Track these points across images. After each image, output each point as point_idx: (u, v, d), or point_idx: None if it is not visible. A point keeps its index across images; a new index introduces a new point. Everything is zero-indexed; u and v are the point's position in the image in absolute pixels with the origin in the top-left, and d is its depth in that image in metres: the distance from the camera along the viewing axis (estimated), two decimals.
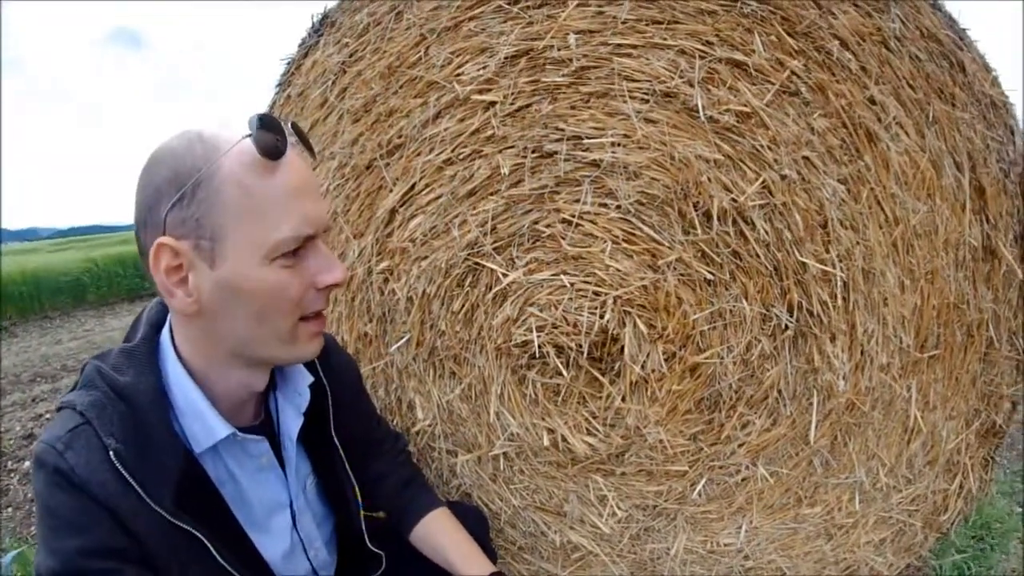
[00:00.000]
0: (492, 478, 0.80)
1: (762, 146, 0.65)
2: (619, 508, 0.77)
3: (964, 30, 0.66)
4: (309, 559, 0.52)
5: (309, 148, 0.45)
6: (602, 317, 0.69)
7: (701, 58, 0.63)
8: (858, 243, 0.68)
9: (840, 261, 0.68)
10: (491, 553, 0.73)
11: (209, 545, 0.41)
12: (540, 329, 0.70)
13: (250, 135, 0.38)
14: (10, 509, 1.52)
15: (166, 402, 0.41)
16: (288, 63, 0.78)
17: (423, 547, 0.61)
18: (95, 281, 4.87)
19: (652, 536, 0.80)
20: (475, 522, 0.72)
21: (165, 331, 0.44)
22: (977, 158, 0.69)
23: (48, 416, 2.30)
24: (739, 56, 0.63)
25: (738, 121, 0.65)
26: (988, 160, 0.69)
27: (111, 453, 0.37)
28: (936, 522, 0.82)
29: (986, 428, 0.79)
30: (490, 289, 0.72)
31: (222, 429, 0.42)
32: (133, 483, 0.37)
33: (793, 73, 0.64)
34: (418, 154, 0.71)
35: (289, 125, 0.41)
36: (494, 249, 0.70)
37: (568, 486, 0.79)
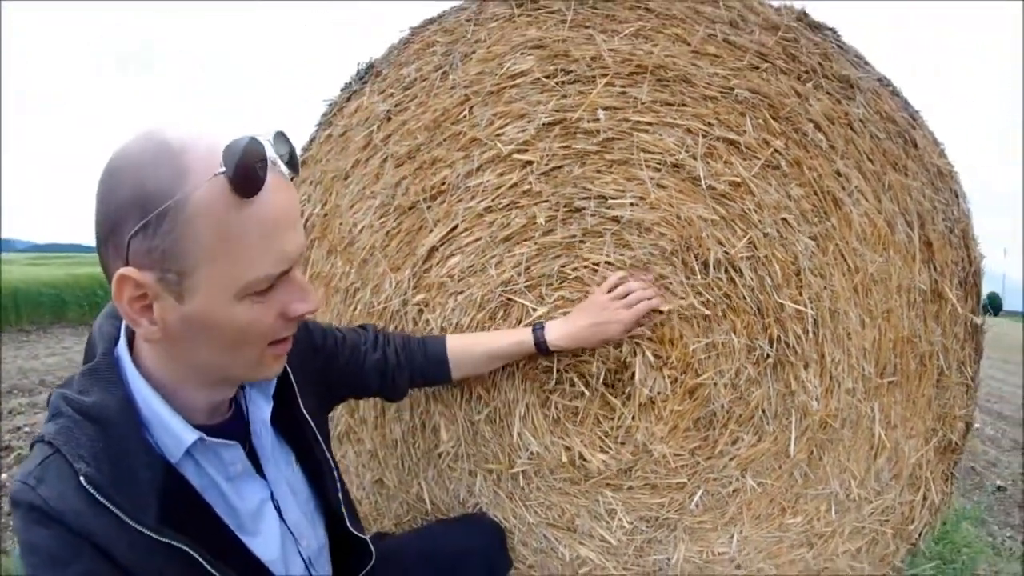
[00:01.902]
0: (509, 496, 0.88)
1: (749, 209, 0.79)
2: (626, 520, 0.85)
3: (916, 111, 0.80)
4: (300, 551, 0.49)
5: (294, 167, 0.41)
6: (618, 348, 0.80)
7: (703, 136, 0.77)
8: (825, 288, 0.81)
9: (811, 302, 0.80)
10: (507, 562, 0.81)
11: (198, 557, 0.39)
12: (561, 358, 0.81)
13: (223, 173, 0.34)
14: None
15: (136, 415, 0.40)
16: (330, 104, 0.87)
17: (464, 361, 0.69)
18: (76, 299, 4.73)
19: (655, 547, 0.88)
20: (490, 533, 0.80)
21: (122, 344, 0.42)
22: (926, 217, 0.81)
23: (27, 429, 2.26)
24: (733, 135, 0.77)
25: (731, 189, 0.78)
26: (935, 219, 0.81)
27: (81, 478, 0.35)
28: (905, 532, 0.90)
29: (943, 445, 0.89)
30: (520, 322, 0.82)
31: (189, 435, 0.41)
32: (110, 506, 0.36)
33: (775, 150, 0.78)
34: (460, 201, 0.82)
35: (272, 140, 0.38)
36: (526, 287, 0.81)
37: (580, 501, 0.87)
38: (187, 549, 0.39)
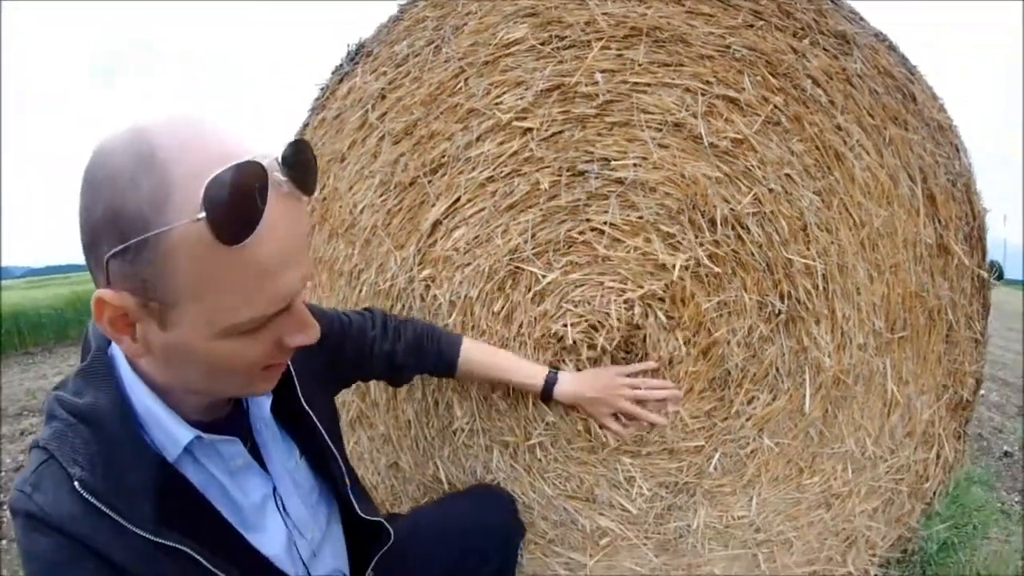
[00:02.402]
0: (527, 469, 0.87)
1: (752, 166, 0.78)
2: (645, 487, 0.85)
3: (915, 66, 0.80)
4: (298, 549, 0.47)
5: (309, 187, 0.35)
6: (630, 309, 0.80)
7: (703, 95, 0.77)
8: (832, 243, 0.81)
9: (819, 257, 0.80)
10: (520, 529, 0.80)
11: (199, 558, 0.38)
12: (575, 325, 0.80)
13: (202, 218, 0.30)
14: (4, 542, 1.49)
15: (131, 415, 0.38)
16: (322, 88, 0.86)
17: (473, 377, 0.71)
18: (78, 316, 4.69)
19: (674, 514, 0.87)
20: (502, 502, 0.79)
21: (115, 345, 0.39)
22: (928, 172, 0.81)
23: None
24: (732, 93, 0.77)
25: (733, 146, 0.78)
26: (937, 173, 0.81)
27: (76, 483, 0.34)
28: (920, 491, 0.90)
29: (955, 402, 0.89)
30: (529, 290, 0.81)
31: (185, 434, 0.39)
32: (106, 510, 0.35)
33: (775, 107, 0.78)
34: (461, 172, 0.81)
35: (281, 156, 0.33)
36: (534, 254, 0.81)
37: (598, 471, 0.87)
38: (187, 550, 0.38)
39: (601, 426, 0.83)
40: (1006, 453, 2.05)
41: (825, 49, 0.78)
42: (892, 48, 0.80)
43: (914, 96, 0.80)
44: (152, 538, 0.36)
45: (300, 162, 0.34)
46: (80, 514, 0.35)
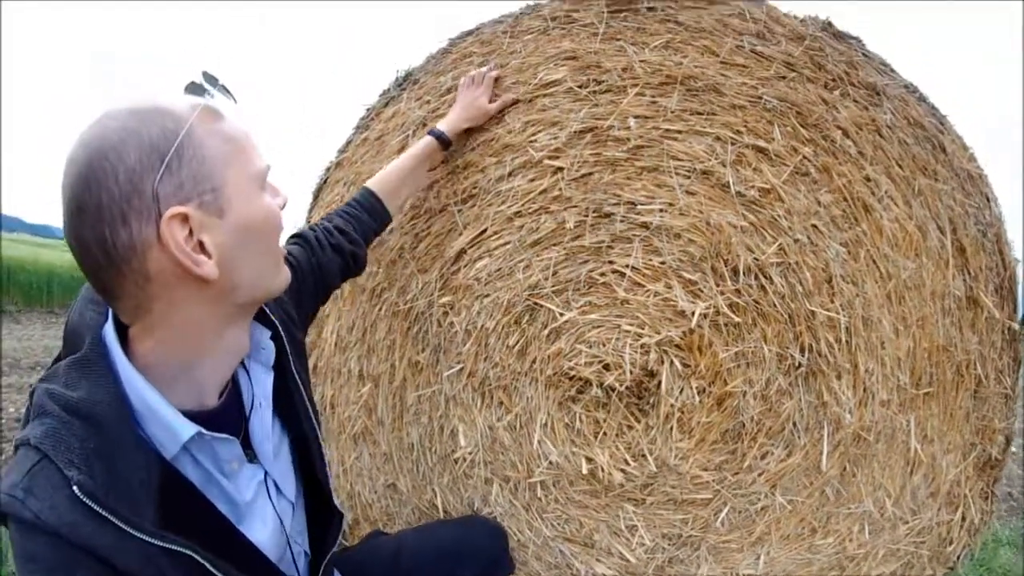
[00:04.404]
0: (526, 507, 0.86)
1: (779, 216, 0.78)
2: (647, 537, 0.83)
3: (944, 116, 0.79)
4: (286, 528, 0.48)
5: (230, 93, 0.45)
6: (646, 354, 0.79)
7: (732, 144, 0.78)
8: (858, 295, 0.79)
9: (843, 310, 0.79)
10: (509, 563, 0.78)
11: (202, 560, 0.38)
12: (589, 365, 0.80)
13: (209, 98, 0.41)
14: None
15: (129, 410, 0.38)
16: (368, 108, 0.90)
17: (399, 194, 0.76)
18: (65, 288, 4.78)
19: (675, 567, 0.85)
20: (492, 533, 0.77)
21: (110, 333, 0.39)
22: (957, 222, 0.80)
23: (12, 411, 2.27)
24: (762, 143, 0.77)
25: (760, 195, 0.78)
26: (967, 224, 0.80)
27: (75, 488, 0.33)
28: (943, 554, 0.86)
29: (983, 461, 0.85)
30: (546, 327, 0.82)
31: (187, 429, 0.39)
32: (106, 514, 0.34)
33: (804, 157, 0.78)
34: (490, 204, 0.83)
35: (207, 77, 0.42)
36: (553, 292, 0.81)
37: (600, 516, 0.85)
38: (190, 553, 0.38)
39: (495, 113, 0.81)
40: None
41: (855, 100, 0.78)
42: (922, 99, 0.79)
43: (943, 146, 0.80)
44: (155, 542, 0.36)
45: (217, 80, 0.44)
46: (80, 520, 0.33)
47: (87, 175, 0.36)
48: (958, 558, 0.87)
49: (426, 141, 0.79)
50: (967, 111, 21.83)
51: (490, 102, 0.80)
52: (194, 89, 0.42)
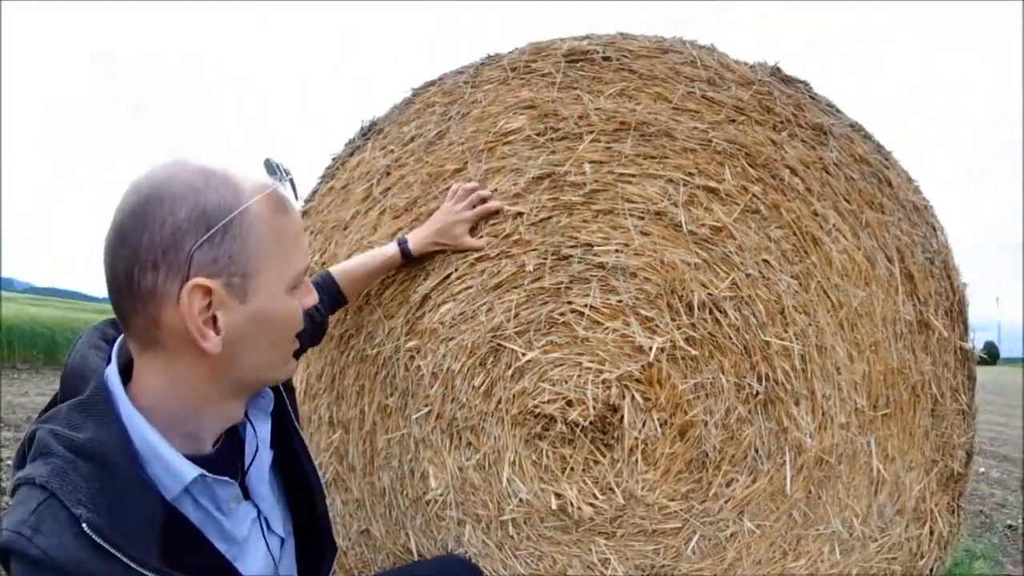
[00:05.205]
0: (499, 546, 0.86)
1: (731, 252, 0.81)
2: (620, 570, 0.83)
3: (889, 152, 0.84)
4: (275, 561, 0.50)
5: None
6: (607, 389, 0.81)
7: (684, 185, 0.81)
8: (810, 324, 0.82)
9: (796, 339, 0.82)
10: None
11: None
12: (552, 402, 0.82)
13: (277, 182, 0.43)
14: None
15: (133, 452, 0.39)
16: (334, 158, 0.92)
17: (356, 286, 0.80)
18: (68, 340, 4.79)
19: None
20: (464, 570, 0.78)
21: (114, 376, 0.41)
22: (905, 251, 0.83)
23: (8, 461, 2.24)
24: (713, 183, 0.81)
25: (712, 233, 0.82)
26: (915, 252, 0.83)
27: (84, 525, 0.34)
28: (915, 569, 0.87)
29: (945, 476, 0.87)
30: (509, 367, 0.84)
31: (189, 471, 0.40)
32: (113, 551, 0.34)
33: (754, 196, 0.82)
34: (454, 250, 0.84)
35: (278, 168, 0.45)
36: (516, 333, 0.83)
37: (572, 551, 0.85)
38: None
39: (463, 249, 0.83)
40: (1010, 527, 2.01)
41: (803, 140, 0.82)
42: (867, 137, 0.84)
43: (889, 181, 0.84)
44: None
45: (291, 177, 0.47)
46: (88, 557, 0.34)
47: (139, 212, 0.38)
48: (931, 571, 0.88)
49: (393, 252, 0.82)
50: (967, 109, 21.58)
51: (472, 230, 0.82)
52: (271, 170, 0.43)
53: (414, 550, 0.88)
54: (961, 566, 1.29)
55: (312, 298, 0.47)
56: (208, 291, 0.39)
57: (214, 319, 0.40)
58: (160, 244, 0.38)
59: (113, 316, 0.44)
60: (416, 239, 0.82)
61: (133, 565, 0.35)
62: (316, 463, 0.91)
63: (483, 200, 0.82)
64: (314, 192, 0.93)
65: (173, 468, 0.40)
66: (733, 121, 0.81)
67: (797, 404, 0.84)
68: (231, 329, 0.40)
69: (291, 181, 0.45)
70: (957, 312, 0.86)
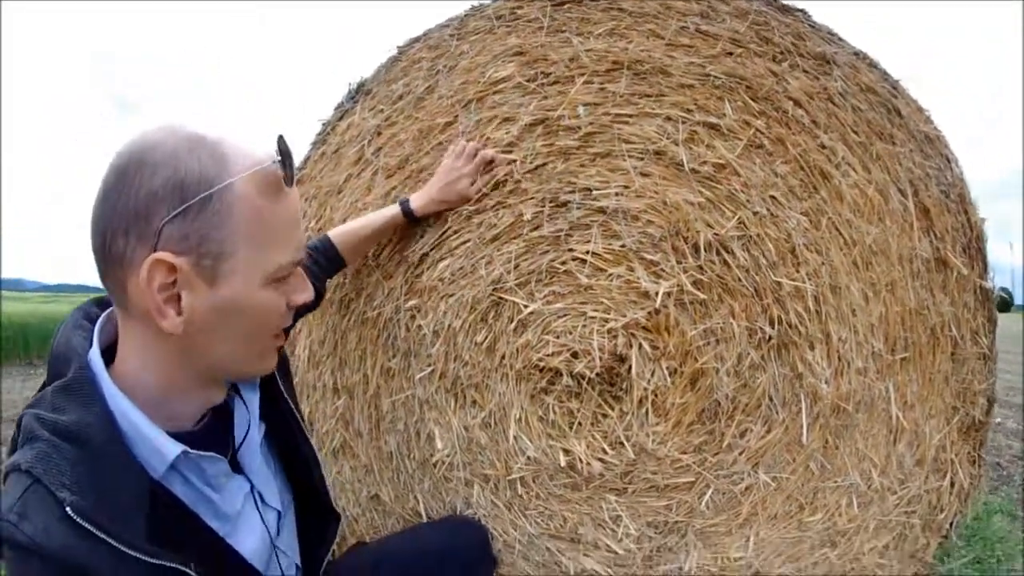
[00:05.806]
0: (508, 506, 0.84)
1: (736, 190, 0.78)
2: (632, 527, 0.81)
3: (897, 81, 0.79)
4: (271, 535, 0.49)
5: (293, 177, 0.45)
6: (614, 339, 0.79)
7: (683, 122, 0.78)
8: (823, 263, 0.79)
9: (809, 279, 0.78)
10: (491, 561, 0.78)
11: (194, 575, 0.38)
12: (557, 354, 0.79)
13: (275, 161, 0.38)
14: None
15: (118, 432, 0.38)
16: (324, 123, 0.90)
17: (357, 249, 0.77)
18: None
19: (664, 556, 0.83)
20: (472, 531, 0.78)
21: (96, 357, 0.40)
22: (919, 184, 0.79)
23: None
24: (713, 119, 0.77)
25: (715, 171, 0.78)
26: (929, 185, 0.79)
27: (68, 508, 0.33)
28: (935, 522, 0.84)
29: (966, 424, 0.84)
30: (512, 321, 0.81)
31: (172, 448, 0.39)
32: (99, 534, 0.34)
33: (757, 130, 0.78)
34: (458, 206, 0.82)
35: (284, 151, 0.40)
36: (516, 285, 0.80)
37: (582, 509, 0.83)
38: (184, 569, 0.38)
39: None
40: None
41: (805, 71, 0.78)
42: (873, 65, 0.80)
43: (899, 110, 0.80)
44: (149, 560, 0.36)
45: (292, 159, 0.42)
46: (74, 541, 0.33)
47: (120, 174, 0.36)
48: (951, 525, 0.85)
49: (394, 212, 0.79)
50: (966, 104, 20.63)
51: (472, 184, 0.78)
52: (285, 148, 0.39)
53: (423, 513, 0.86)
54: (980, 519, 1.25)
55: (304, 295, 0.43)
56: (172, 268, 0.36)
57: (178, 298, 0.37)
58: (133, 210, 0.35)
59: (99, 295, 0.44)
60: (419, 200, 0.79)
61: (119, 546, 0.35)
62: (324, 430, 0.90)
63: (488, 161, 0.79)
64: (306, 159, 0.90)
65: (156, 446, 0.39)
66: (730, 54, 0.78)
67: (812, 348, 0.81)
68: (194, 312, 0.38)
69: (290, 164, 0.40)
70: (975, 249, 0.82)
